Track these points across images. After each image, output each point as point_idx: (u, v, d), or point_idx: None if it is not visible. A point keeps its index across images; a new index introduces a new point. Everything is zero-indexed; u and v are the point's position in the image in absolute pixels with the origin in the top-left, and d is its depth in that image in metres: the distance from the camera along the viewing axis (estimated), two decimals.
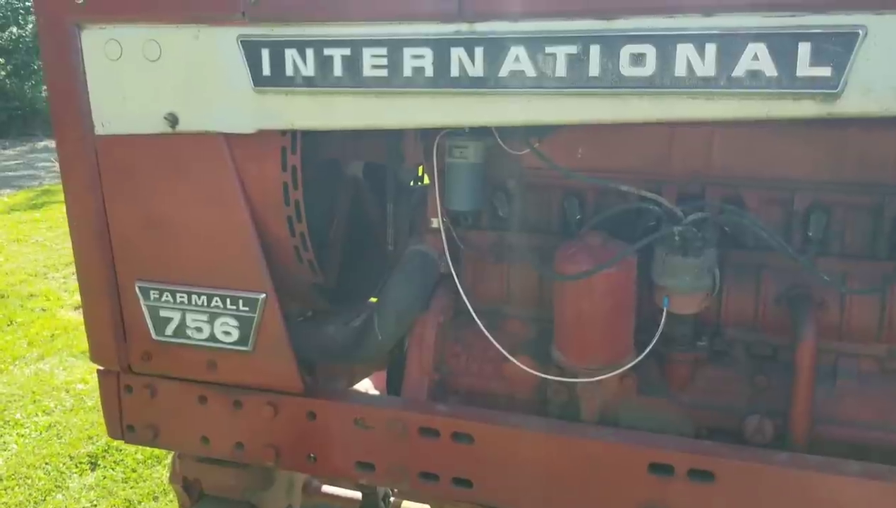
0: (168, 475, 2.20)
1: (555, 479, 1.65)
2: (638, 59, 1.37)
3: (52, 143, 2.13)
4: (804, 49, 1.29)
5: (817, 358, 1.59)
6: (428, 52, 1.48)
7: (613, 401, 1.74)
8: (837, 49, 1.27)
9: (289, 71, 1.57)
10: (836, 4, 1.27)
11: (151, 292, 1.84)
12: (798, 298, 1.63)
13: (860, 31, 1.26)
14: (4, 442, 3.93)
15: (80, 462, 3.72)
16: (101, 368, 1.99)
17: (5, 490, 3.52)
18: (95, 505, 3.41)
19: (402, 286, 1.85)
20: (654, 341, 1.60)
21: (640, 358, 1.64)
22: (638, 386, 1.74)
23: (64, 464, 3.71)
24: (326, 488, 2.58)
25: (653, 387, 1.75)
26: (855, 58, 1.27)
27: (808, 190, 1.64)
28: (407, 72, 1.50)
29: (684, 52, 1.35)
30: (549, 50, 1.41)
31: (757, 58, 1.32)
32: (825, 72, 1.29)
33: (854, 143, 1.60)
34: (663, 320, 1.59)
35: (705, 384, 1.73)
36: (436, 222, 1.82)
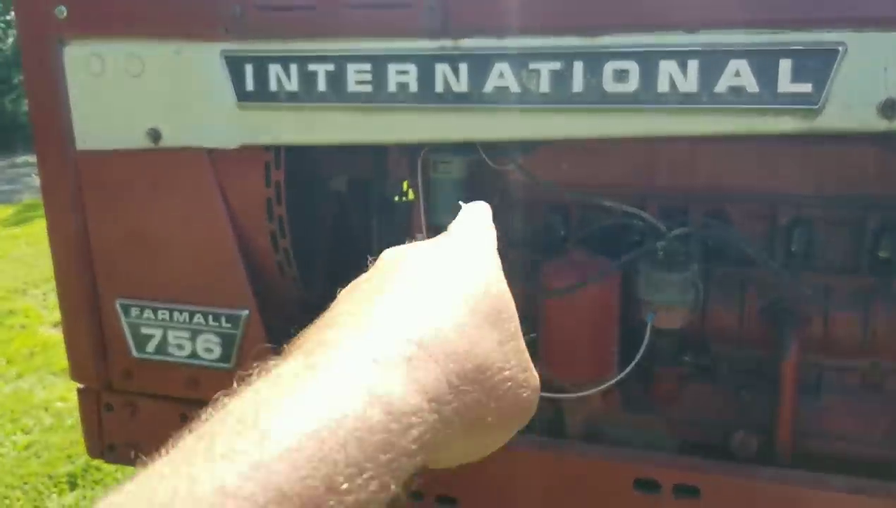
0: None
1: (540, 496, 1.64)
2: (621, 76, 1.38)
3: (32, 158, 2.12)
4: (785, 65, 1.31)
5: (802, 373, 1.60)
6: (412, 68, 1.48)
7: (598, 417, 1.74)
8: (818, 65, 1.29)
9: (272, 86, 1.57)
10: (817, 21, 1.29)
11: (132, 309, 1.82)
12: (781, 313, 1.64)
13: (840, 48, 1.28)
14: None
15: (60, 482, 3.66)
16: (80, 386, 1.96)
17: None
18: None
19: None
20: (639, 356, 1.60)
21: (625, 373, 1.63)
22: (622, 401, 1.74)
23: (43, 484, 3.64)
24: None
25: (637, 403, 1.75)
26: (835, 74, 1.29)
27: (791, 204, 1.66)
28: (391, 87, 1.50)
29: (667, 68, 1.36)
30: (532, 66, 1.42)
31: (738, 74, 1.33)
32: (806, 88, 1.30)
33: (835, 158, 1.61)
34: (647, 335, 1.60)
35: (690, 399, 1.73)
36: (420, 237, 1.81)
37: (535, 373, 0.50)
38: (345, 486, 0.34)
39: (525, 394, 0.48)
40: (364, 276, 0.51)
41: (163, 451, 0.36)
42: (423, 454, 0.39)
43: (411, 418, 0.38)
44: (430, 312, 0.44)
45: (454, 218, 0.62)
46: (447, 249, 0.51)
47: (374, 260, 0.53)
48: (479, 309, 0.46)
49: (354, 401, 0.37)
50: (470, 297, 0.47)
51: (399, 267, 0.49)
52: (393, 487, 0.36)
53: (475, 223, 0.57)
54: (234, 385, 0.40)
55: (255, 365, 0.41)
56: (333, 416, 0.36)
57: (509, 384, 0.46)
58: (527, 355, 0.50)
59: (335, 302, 0.49)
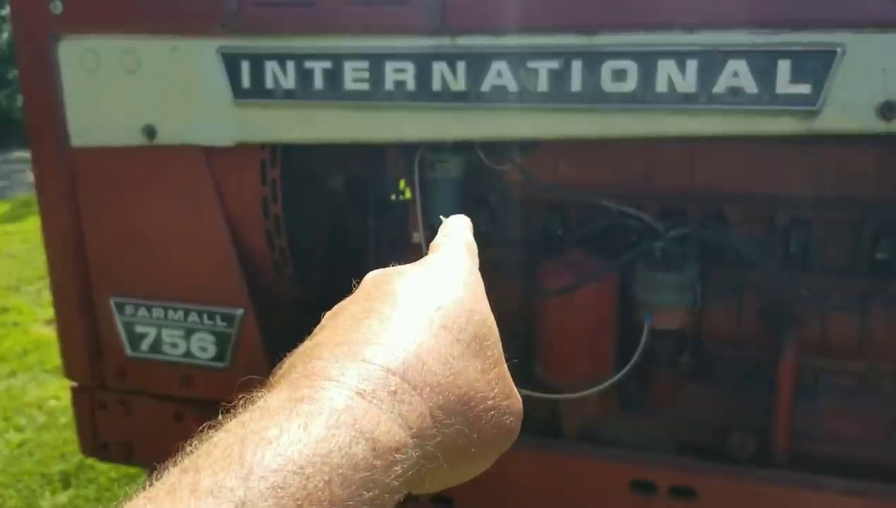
0: None
1: (536, 497, 1.63)
2: (619, 75, 1.37)
3: (26, 154, 2.10)
4: (784, 66, 1.30)
5: (799, 374, 1.60)
6: (410, 66, 1.47)
7: (595, 418, 1.73)
8: (816, 66, 1.28)
9: (269, 83, 1.55)
10: (815, 22, 1.28)
11: (127, 307, 1.80)
12: (779, 314, 1.64)
13: (838, 50, 1.27)
14: None
15: (53, 481, 3.64)
16: (74, 384, 1.95)
17: None
18: None
19: None
20: (636, 357, 1.60)
21: (622, 373, 1.63)
22: (620, 402, 1.73)
23: (36, 483, 3.62)
24: None
25: (634, 403, 1.75)
26: (833, 75, 1.28)
27: (789, 205, 1.66)
28: (389, 85, 1.49)
29: (665, 68, 1.35)
30: (531, 65, 1.41)
31: (737, 74, 1.32)
32: (804, 89, 1.30)
33: (833, 160, 1.61)
34: (645, 336, 1.59)
35: (687, 400, 1.73)
36: (417, 237, 1.81)
37: (518, 397, 0.50)
38: None
39: (508, 421, 0.48)
40: (348, 301, 0.51)
41: (146, 483, 0.36)
42: (406, 489, 0.39)
43: (395, 454, 0.38)
44: (413, 343, 0.44)
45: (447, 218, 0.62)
46: (429, 274, 0.51)
47: (359, 282, 0.52)
48: (462, 337, 0.46)
49: (339, 437, 0.37)
50: (453, 326, 0.47)
51: (383, 293, 0.49)
52: None
53: (458, 242, 0.57)
54: (220, 417, 0.39)
55: (240, 396, 0.41)
56: (319, 452, 0.36)
57: (492, 413, 0.46)
58: (510, 380, 0.50)
59: (319, 326, 0.49)
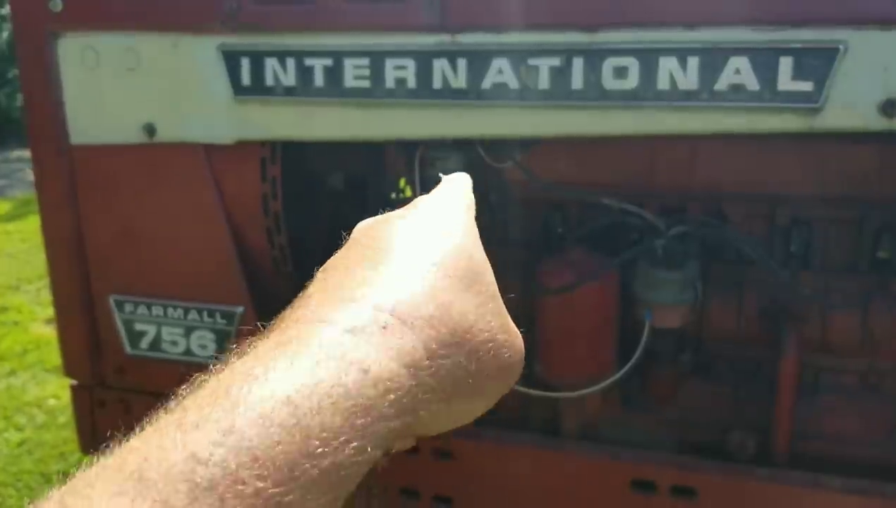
0: None
1: (536, 496, 1.63)
2: (621, 73, 1.37)
3: (26, 153, 2.10)
4: (785, 63, 1.30)
5: (800, 373, 1.60)
6: (410, 64, 1.47)
7: (595, 416, 1.73)
8: (818, 64, 1.28)
9: (269, 80, 1.55)
10: (817, 19, 1.28)
11: (126, 305, 1.80)
12: (780, 313, 1.64)
13: (840, 47, 1.27)
14: None
15: (53, 480, 3.63)
16: (74, 382, 1.95)
17: None
18: None
19: None
20: (637, 355, 1.60)
21: (622, 372, 1.63)
22: (620, 400, 1.73)
23: (35, 482, 3.62)
24: None
25: (635, 402, 1.74)
26: (835, 73, 1.28)
27: (791, 204, 1.65)
28: (389, 83, 1.49)
29: (667, 65, 1.35)
30: (531, 62, 1.41)
31: (739, 72, 1.32)
32: (806, 86, 1.29)
33: (835, 157, 1.61)
34: (645, 334, 1.59)
35: (688, 398, 1.72)
36: None
37: (518, 334, 0.48)
38: (320, 450, 0.34)
39: (507, 355, 0.46)
40: (339, 252, 0.50)
41: (138, 429, 0.36)
42: (402, 418, 0.39)
43: (387, 383, 0.38)
44: (403, 280, 0.44)
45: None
46: (419, 217, 0.50)
47: (349, 233, 0.52)
48: (453, 273, 0.45)
49: (329, 368, 0.37)
50: (443, 261, 0.46)
51: (373, 241, 0.48)
52: (370, 450, 0.36)
53: (452, 191, 0.55)
54: (211, 367, 0.39)
55: (232, 346, 0.41)
56: (307, 382, 0.35)
57: (490, 345, 0.45)
58: (508, 318, 0.48)
59: (312, 280, 0.49)
